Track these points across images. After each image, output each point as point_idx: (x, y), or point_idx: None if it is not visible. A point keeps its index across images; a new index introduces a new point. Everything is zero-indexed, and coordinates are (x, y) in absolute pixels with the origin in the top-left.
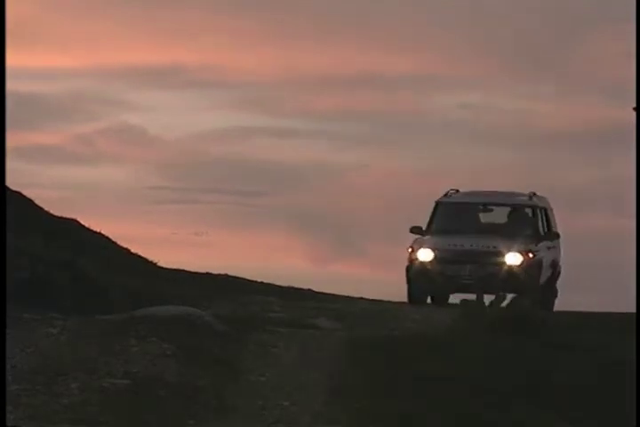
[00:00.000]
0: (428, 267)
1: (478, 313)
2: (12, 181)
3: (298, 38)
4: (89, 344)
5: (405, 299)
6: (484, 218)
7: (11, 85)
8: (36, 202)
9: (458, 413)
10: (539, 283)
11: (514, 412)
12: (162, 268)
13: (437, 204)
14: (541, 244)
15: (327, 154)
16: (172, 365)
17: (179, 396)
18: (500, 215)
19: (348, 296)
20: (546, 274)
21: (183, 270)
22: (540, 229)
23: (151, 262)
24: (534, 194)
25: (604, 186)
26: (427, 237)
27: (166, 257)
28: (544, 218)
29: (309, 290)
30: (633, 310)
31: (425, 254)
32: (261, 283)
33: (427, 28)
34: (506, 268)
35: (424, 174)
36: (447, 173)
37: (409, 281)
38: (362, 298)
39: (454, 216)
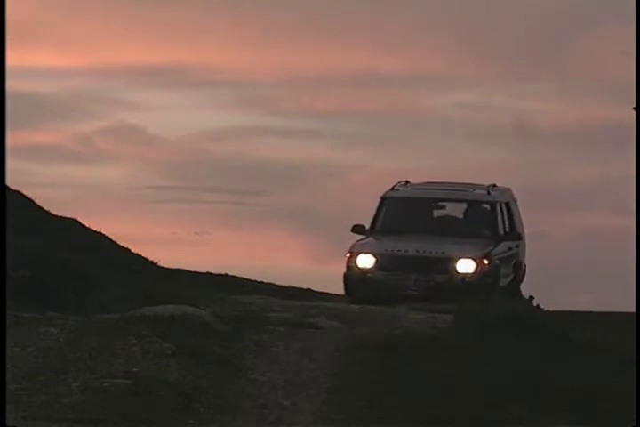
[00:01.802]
0: (369, 275)
1: (478, 313)
2: (11, 181)
3: (298, 38)
4: (89, 344)
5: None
6: (436, 215)
7: (11, 85)
8: (36, 202)
9: (458, 413)
10: (496, 292)
11: (513, 412)
12: (162, 268)
13: (383, 199)
14: (501, 245)
15: (327, 153)
16: (172, 364)
17: (179, 395)
18: (454, 211)
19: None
20: (506, 280)
21: (183, 270)
22: (500, 227)
23: (151, 262)
24: (494, 186)
25: (604, 186)
26: (368, 240)
27: (166, 257)
28: (505, 214)
29: (309, 289)
30: (633, 309)
31: (365, 261)
32: (261, 282)
33: (426, 27)
34: (457, 277)
35: (424, 174)
36: (447, 173)
37: (347, 291)
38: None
39: (401, 214)
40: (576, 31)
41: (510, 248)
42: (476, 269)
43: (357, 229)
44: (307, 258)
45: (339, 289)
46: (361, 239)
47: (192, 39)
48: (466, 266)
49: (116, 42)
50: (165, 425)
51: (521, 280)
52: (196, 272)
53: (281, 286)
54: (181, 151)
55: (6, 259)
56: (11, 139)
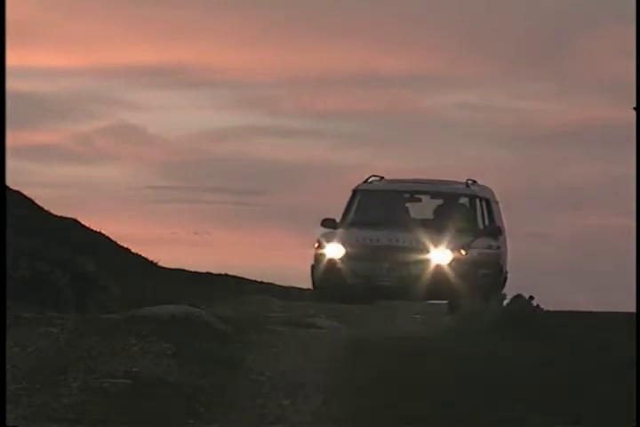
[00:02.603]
0: (338, 266)
1: (478, 313)
2: (11, 181)
3: (298, 38)
4: (89, 344)
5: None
6: (411, 210)
7: (11, 85)
8: (36, 202)
9: (458, 413)
10: (474, 286)
11: (513, 412)
12: (162, 268)
13: (355, 192)
14: (480, 240)
15: (327, 153)
16: (172, 364)
17: (179, 395)
18: (430, 207)
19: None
20: (485, 280)
21: (183, 270)
22: (479, 221)
23: (151, 262)
24: (474, 182)
25: (604, 186)
26: (338, 230)
27: (166, 257)
28: (485, 209)
29: (309, 289)
30: (633, 309)
31: (334, 250)
32: (261, 282)
33: (426, 26)
34: (431, 267)
35: (424, 174)
36: (447, 173)
37: (314, 283)
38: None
39: (374, 207)
40: (576, 31)
41: (490, 246)
42: (452, 260)
43: (327, 223)
44: (307, 258)
45: None
46: (330, 231)
47: (192, 39)
48: (441, 256)
49: (116, 42)
50: (165, 425)
51: (502, 285)
52: (195, 272)
53: (281, 286)
54: (181, 151)
55: (6, 259)
56: (11, 139)
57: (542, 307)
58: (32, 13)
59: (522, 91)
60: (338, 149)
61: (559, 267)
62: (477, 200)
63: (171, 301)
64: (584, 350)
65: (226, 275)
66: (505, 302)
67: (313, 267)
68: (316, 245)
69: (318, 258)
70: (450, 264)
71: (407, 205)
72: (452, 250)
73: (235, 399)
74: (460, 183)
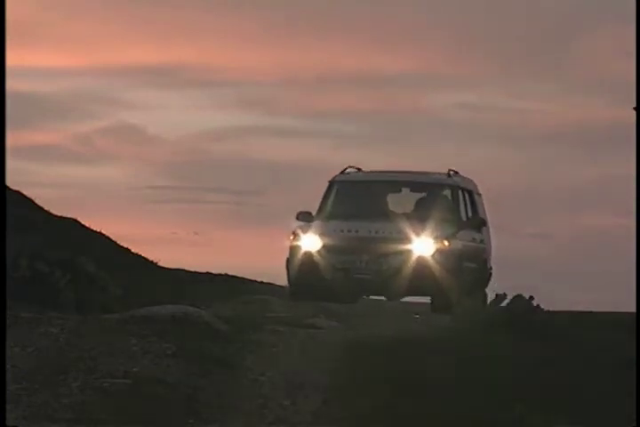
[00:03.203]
0: (315, 258)
1: (478, 313)
2: (11, 181)
3: (298, 38)
4: (89, 344)
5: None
6: (391, 202)
7: (11, 85)
8: (36, 202)
9: (458, 413)
10: (459, 281)
11: (513, 412)
12: (162, 268)
13: (332, 183)
14: (463, 232)
15: (327, 153)
16: (172, 364)
17: (179, 395)
18: (411, 199)
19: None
20: (470, 275)
21: (183, 270)
22: (462, 212)
23: (151, 262)
24: (456, 173)
25: (604, 186)
26: (315, 222)
27: (166, 257)
28: (468, 202)
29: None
30: (633, 309)
31: (310, 242)
32: (261, 282)
33: (426, 26)
34: (413, 259)
35: None
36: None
37: (289, 279)
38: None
39: (352, 199)
40: (576, 31)
41: (474, 239)
42: (435, 251)
43: (303, 216)
44: None
45: None
46: (306, 223)
47: (192, 39)
48: (424, 247)
49: (116, 42)
50: (165, 425)
51: (486, 283)
52: (195, 272)
53: (281, 286)
54: (181, 151)
55: (6, 259)
56: (11, 139)
57: (542, 307)
58: (32, 13)
59: (522, 91)
60: (338, 149)
61: (559, 267)
62: (460, 191)
63: (171, 301)
64: (584, 350)
65: (226, 275)
66: (505, 302)
67: (288, 260)
68: (292, 236)
69: (293, 251)
70: (433, 256)
71: (387, 196)
72: (435, 240)
73: (235, 399)
74: (442, 174)
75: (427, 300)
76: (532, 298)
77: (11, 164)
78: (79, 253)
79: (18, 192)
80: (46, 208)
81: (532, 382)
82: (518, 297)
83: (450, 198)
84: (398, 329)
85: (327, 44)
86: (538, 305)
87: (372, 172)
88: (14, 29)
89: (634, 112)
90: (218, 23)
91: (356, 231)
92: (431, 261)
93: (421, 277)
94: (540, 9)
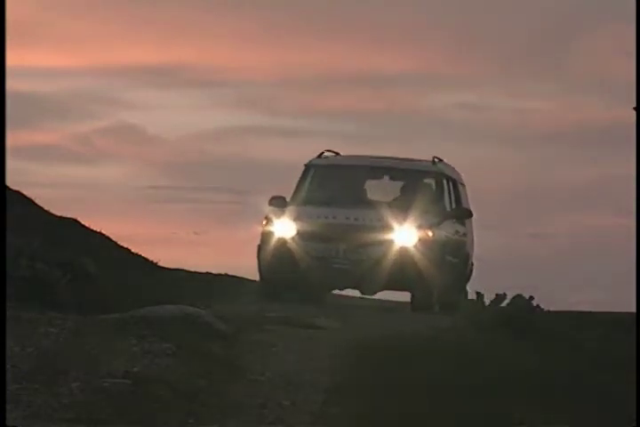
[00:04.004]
0: (289, 245)
1: (478, 313)
2: (11, 181)
3: (298, 38)
4: (89, 344)
5: (406, 299)
6: (371, 189)
7: (11, 85)
8: (36, 201)
9: (458, 413)
10: (440, 274)
11: (514, 412)
12: (162, 267)
13: (308, 167)
14: (447, 222)
15: None
16: (172, 364)
17: (179, 395)
18: (392, 187)
19: (348, 296)
20: (452, 270)
21: (183, 270)
22: (447, 201)
23: (151, 262)
24: (440, 160)
25: (604, 186)
26: (289, 207)
27: (166, 257)
28: (452, 192)
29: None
30: (633, 309)
31: (284, 228)
32: None
33: (426, 26)
34: (394, 249)
35: None
36: None
37: (261, 266)
38: (362, 297)
39: (330, 184)
40: (576, 31)
41: (457, 231)
42: (418, 242)
43: (276, 201)
44: None
45: None
46: (280, 209)
47: (192, 39)
48: (406, 236)
49: (116, 42)
50: (165, 425)
51: (468, 277)
52: (195, 272)
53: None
54: (181, 151)
55: (6, 259)
56: (10, 139)
57: (542, 307)
58: (32, 13)
59: (522, 91)
60: (338, 149)
61: (559, 267)
62: (444, 179)
63: (171, 301)
64: (584, 350)
65: (226, 275)
66: (505, 302)
67: (259, 247)
68: (264, 221)
69: (266, 237)
70: (416, 246)
71: (366, 182)
72: (418, 229)
73: (234, 399)
74: (425, 161)
75: (401, 298)
76: (531, 298)
77: (10, 164)
78: (79, 253)
79: (18, 192)
80: (46, 208)
81: (531, 382)
82: (518, 297)
83: (434, 187)
84: (398, 329)
85: (327, 44)
86: (538, 305)
87: (351, 156)
88: (14, 29)
89: (634, 112)
90: (218, 23)
91: (334, 217)
92: (414, 252)
93: (403, 270)
94: (540, 9)
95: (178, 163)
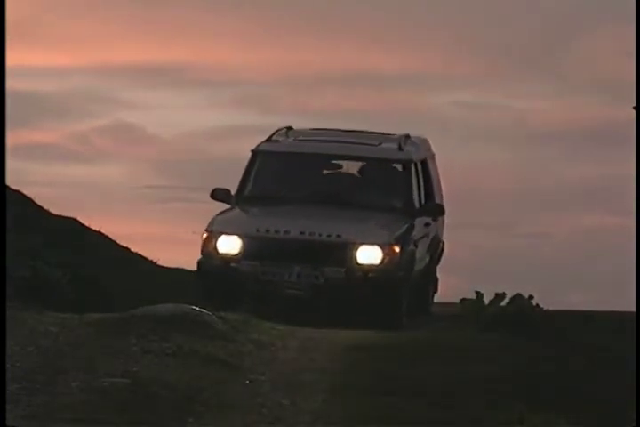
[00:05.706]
0: (233, 265)
1: (477, 313)
2: (11, 180)
3: (297, 37)
4: (89, 343)
5: None
6: (328, 177)
7: (11, 85)
8: (36, 201)
9: (458, 412)
10: (408, 292)
11: (514, 412)
12: (162, 267)
13: (254, 154)
14: (417, 223)
15: None
16: (172, 364)
17: (179, 394)
18: (353, 180)
19: None
20: (420, 264)
21: (183, 269)
22: (416, 197)
23: (151, 262)
24: (408, 137)
25: (604, 186)
26: (234, 213)
27: (166, 256)
28: (421, 178)
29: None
30: (633, 309)
31: (228, 244)
32: None
33: (424, 26)
34: (357, 271)
35: None
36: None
37: (200, 288)
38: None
39: (279, 174)
40: (576, 31)
41: (427, 224)
42: (383, 260)
43: (219, 194)
44: None
45: None
46: (224, 211)
47: (192, 39)
48: (370, 255)
49: (116, 42)
50: (165, 425)
51: (437, 262)
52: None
53: None
54: (180, 150)
55: (6, 259)
56: (10, 138)
57: (542, 306)
58: (32, 13)
59: (521, 90)
60: None
61: (559, 267)
62: (413, 166)
63: (171, 300)
64: (584, 350)
65: None
66: (504, 302)
67: (199, 265)
68: (205, 235)
69: (208, 254)
70: (380, 265)
71: (323, 172)
72: (384, 246)
73: (234, 399)
74: (391, 139)
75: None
76: (531, 297)
77: (10, 163)
78: (79, 252)
79: (18, 192)
80: (46, 207)
81: (531, 382)
82: (518, 296)
83: (401, 175)
84: (398, 329)
85: (327, 44)
86: (537, 305)
87: (306, 133)
88: (14, 29)
89: (634, 112)
90: (218, 23)
91: (286, 232)
92: (378, 273)
93: (366, 293)
94: (540, 9)
95: (177, 162)
